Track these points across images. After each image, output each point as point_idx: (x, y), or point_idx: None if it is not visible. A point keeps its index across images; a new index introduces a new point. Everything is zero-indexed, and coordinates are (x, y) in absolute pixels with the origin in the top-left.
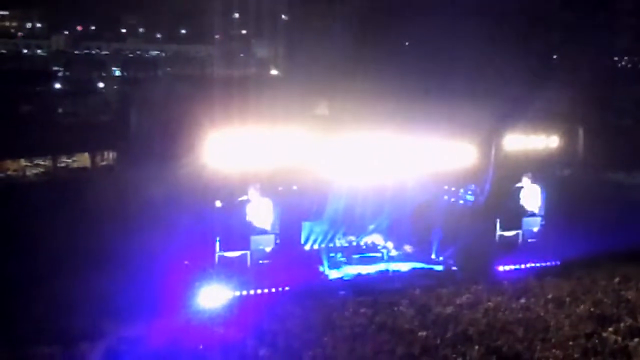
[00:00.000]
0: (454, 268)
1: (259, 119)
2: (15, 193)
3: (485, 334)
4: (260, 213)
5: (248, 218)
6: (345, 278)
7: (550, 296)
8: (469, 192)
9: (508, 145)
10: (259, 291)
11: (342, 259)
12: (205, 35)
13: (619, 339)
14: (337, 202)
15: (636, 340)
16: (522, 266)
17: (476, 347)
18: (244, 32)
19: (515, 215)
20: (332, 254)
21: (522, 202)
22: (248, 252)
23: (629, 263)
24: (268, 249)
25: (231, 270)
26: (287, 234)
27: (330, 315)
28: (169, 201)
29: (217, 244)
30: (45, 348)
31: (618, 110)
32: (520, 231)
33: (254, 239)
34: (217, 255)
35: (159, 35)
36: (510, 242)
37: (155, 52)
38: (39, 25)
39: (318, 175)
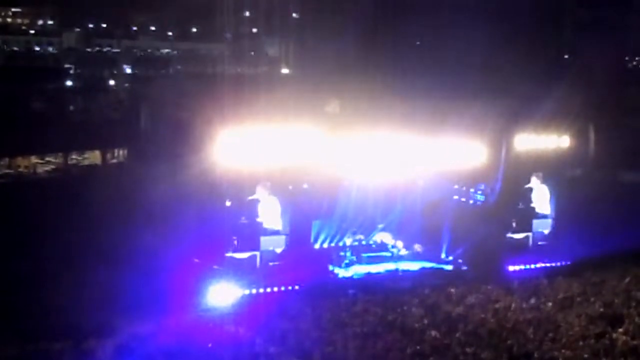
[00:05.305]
0: (464, 267)
1: (269, 117)
2: (26, 190)
3: (495, 333)
4: (270, 213)
5: (258, 218)
6: (355, 277)
7: (560, 296)
8: (479, 192)
9: (519, 144)
10: (268, 290)
11: (352, 258)
12: (217, 33)
13: (630, 339)
14: (347, 201)
15: None
16: (533, 266)
17: (486, 346)
18: (255, 30)
19: (525, 216)
20: (341, 253)
21: (533, 203)
22: (257, 254)
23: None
24: (278, 250)
25: (240, 272)
26: (297, 232)
27: (340, 314)
28: (179, 199)
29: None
30: (55, 344)
31: (631, 109)
32: (530, 234)
33: (264, 239)
34: (225, 256)
35: (170, 33)
36: (521, 245)
37: (167, 50)
38: (50, 22)
39: (328, 174)
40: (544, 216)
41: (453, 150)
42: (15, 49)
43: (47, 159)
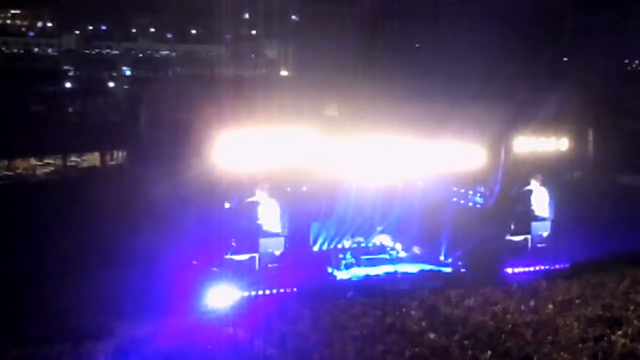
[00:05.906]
0: (463, 270)
1: (268, 120)
2: (25, 192)
3: (494, 336)
4: (269, 215)
5: (257, 220)
6: (354, 279)
7: (559, 299)
8: (478, 194)
9: (518, 147)
10: (267, 292)
11: (351, 260)
12: (216, 35)
13: (628, 342)
14: (346, 203)
15: None
16: (532, 269)
17: (485, 349)
18: (254, 32)
19: (524, 219)
20: (340, 255)
21: (532, 205)
22: (256, 256)
23: (638, 266)
24: (277, 252)
25: (239, 274)
26: (296, 235)
27: (339, 316)
28: (177, 202)
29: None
30: (54, 346)
31: (630, 112)
32: (529, 236)
33: (263, 241)
34: (224, 258)
35: (169, 35)
36: (519, 247)
37: (166, 52)
38: (49, 24)
39: (327, 176)
40: (543, 219)
41: (452, 153)
42: (15, 50)
43: (46, 160)
